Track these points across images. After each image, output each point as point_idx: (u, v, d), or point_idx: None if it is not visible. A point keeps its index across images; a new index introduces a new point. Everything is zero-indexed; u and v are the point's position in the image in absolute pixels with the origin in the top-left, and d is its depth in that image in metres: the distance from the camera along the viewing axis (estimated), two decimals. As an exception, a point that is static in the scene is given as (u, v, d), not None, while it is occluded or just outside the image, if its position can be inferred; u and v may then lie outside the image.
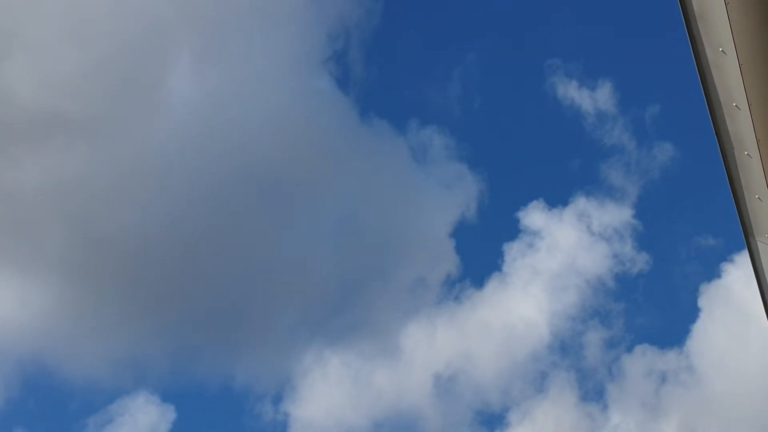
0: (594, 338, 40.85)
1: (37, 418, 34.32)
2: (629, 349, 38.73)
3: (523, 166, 44.45)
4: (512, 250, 42.67)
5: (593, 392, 40.17)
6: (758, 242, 8.55)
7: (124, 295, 38.97)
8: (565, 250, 42.69)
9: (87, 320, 37.77)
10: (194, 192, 39.73)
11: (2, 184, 35.57)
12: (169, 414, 34.86)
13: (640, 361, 37.19)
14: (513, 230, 43.78)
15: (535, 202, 41.89)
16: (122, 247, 37.71)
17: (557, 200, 45.49)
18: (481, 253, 45.77)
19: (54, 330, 36.56)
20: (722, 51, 6.92)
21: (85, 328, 37.36)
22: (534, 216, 42.28)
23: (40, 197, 37.13)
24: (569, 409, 38.24)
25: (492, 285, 42.89)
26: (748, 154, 7.82)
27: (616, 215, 40.93)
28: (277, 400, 37.18)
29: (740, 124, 7.57)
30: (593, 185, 43.51)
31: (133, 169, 39.66)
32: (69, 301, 37.78)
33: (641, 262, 40.09)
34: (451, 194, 43.91)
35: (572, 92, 43.81)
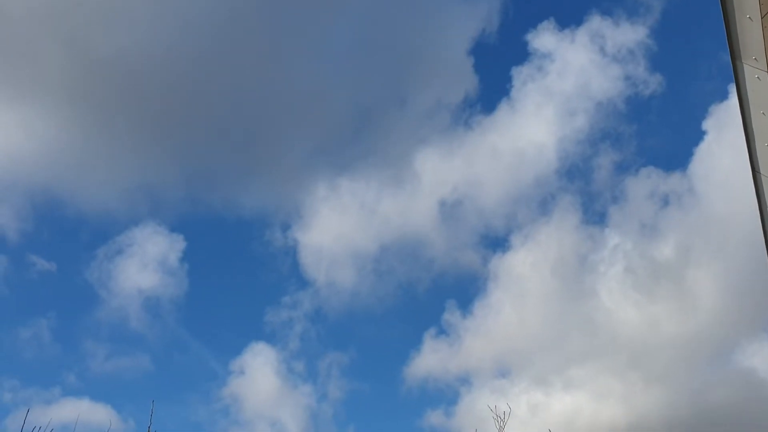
0: (603, 161, 40.76)
1: (51, 248, 35.15)
2: (635, 172, 38.77)
3: (533, -18, 42.09)
4: (521, 75, 41.50)
5: (596, 215, 40.77)
6: (744, 65, 7.96)
7: (132, 120, 38.56)
8: (576, 72, 41.42)
9: (95, 147, 37.64)
10: (197, 11, 37.97)
11: None
12: (179, 243, 35.80)
13: (644, 184, 37.34)
14: (522, 54, 42.31)
15: (545, 23, 40.05)
16: (125, 69, 36.71)
17: (569, 20, 43.32)
18: (491, 76, 44.66)
19: (62, 158, 36.70)
20: None
21: (94, 156, 37.34)
22: (544, 38, 40.62)
23: (34, 17, 35.86)
24: (570, 232, 39.05)
25: (502, 110, 42.19)
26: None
27: (631, 35, 39.19)
28: (286, 227, 38.18)
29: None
30: (611, 1, 41.26)
31: (133, -11, 37.56)
32: (74, 127, 38.14)
33: (654, 83, 38.92)
34: (469, 7, 41.76)
35: None
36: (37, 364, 33.84)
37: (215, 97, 40.89)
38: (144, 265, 35.22)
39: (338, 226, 39.47)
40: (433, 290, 39.58)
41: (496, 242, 40.31)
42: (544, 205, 40.40)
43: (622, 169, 41.34)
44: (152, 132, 39.20)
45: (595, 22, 42.21)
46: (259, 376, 34.64)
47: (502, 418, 14.60)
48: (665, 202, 39.19)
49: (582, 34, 41.76)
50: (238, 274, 41.95)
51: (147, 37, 37.17)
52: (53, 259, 34.97)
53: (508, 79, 42.61)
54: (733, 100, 7.80)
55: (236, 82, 41.30)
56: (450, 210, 39.56)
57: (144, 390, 34.56)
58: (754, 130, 8.41)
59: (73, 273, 36.83)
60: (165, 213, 36.77)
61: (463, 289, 40.38)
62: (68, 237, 37.30)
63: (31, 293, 36.18)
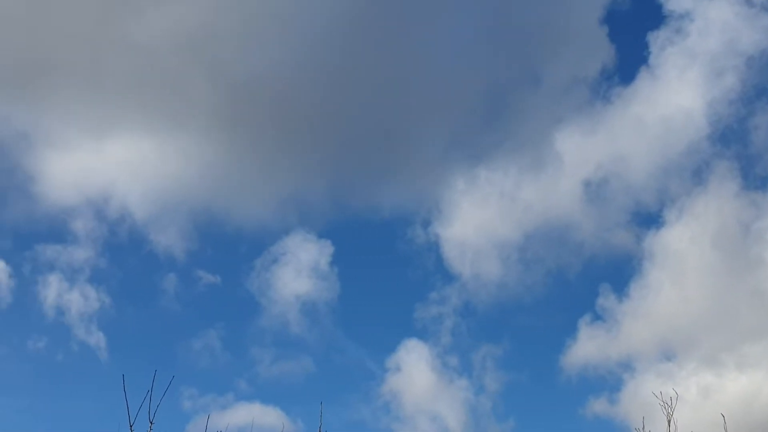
0: (761, 121, 37.99)
1: (214, 263, 38.50)
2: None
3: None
4: (658, 39, 39.54)
5: (757, 180, 38.09)
6: None
7: (276, 137, 41.19)
8: (719, 29, 38.82)
9: (245, 165, 40.56)
10: (320, 25, 39.71)
11: (134, 40, 37.46)
12: (327, 249, 37.70)
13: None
14: (657, 17, 40.31)
15: (680, -18, 37.88)
16: (263, 89, 39.32)
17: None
18: (627, 45, 42.92)
19: (217, 179, 39.74)
20: None
21: (245, 174, 40.31)
22: (680, -2, 38.38)
23: (178, 50, 38.79)
24: (730, 200, 36.76)
25: (641, 79, 40.39)
26: None
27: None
28: (427, 223, 38.76)
29: None
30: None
31: (257, 13, 39.83)
32: (226, 149, 40.49)
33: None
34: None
35: None
36: (211, 372, 35.90)
37: (348, 104, 42.63)
38: (298, 272, 37.16)
39: (479, 218, 39.37)
40: (584, 275, 38.50)
41: (649, 219, 38.51)
42: (697, 174, 38.12)
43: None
44: (295, 146, 41.59)
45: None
46: (415, 373, 34.76)
47: (670, 404, 14.11)
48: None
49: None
50: (385, 273, 42.34)
51: (278, 56, 39.46)
52: (217, 273, 37.50)
53: (645, 46, 40.45)
54: None
55: (366, 84, 42.77)
56: (596, 190, 38.31)
57: (308, 391, 35.71)
58: None
59: (236, 284, 38.62)
60: (313, 221, 38.87)
61: (617, 272, 38.87)
62: (229, 251, 40.32)
63: (200, 306, 38.30)
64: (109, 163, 38.10)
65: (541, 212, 38.67)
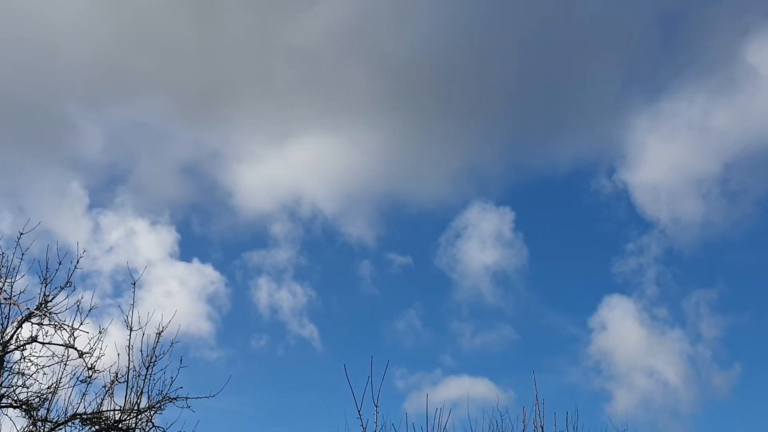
0: None
1: (403, 245, 39.12)
2: None
3: None
4: None
5: None
6: None
7: (443, 111, 41.01)
8: None
9: (417, 145, 40.98)
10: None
11: (294, 45, 38.83)
12: (508, 215, 36.96)
13: None
14: None
15: None
16: (421, 68, 39.70)
17: None
18: None
19: (393, 163, 40.62)
20: None
21: (419, 154, 40.78)
22: None
23: (332, 43, 39.39)
24: None
25: None
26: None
27: None
28: (611, 171, 36.67)
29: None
30: None
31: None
32: (396, 132, 40.73)
33: None
34: None
35: None
36: (416, 350, 35.92)
37: (506, 64, 41.33)
38: (482, 243, 36.68)
39: (669, 156, 36.43)
40: (795, 197, 35.28)
41: None
42: None
43: None
44: (461, 117, 41.27)
45: None
46: (622, 329, 33.10)
47: None
48: None
49: None
50: (574, 230, 40.28)
51: (429, 31, 39.41)
52: (407, 253, 37.88)
53: None
54: None
55: (519, 39, 41.48)
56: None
57: (514, 360, 35.36)
58: None
59: (425, 263, 38.62)
60: (489, 189, 38.22)
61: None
62: (414, 231, 40.53)
63: (396, 288, 38.64)
64: (293, 166, 39.84)
65: (740, 137, 35.80)
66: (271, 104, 41.14)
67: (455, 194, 39.93)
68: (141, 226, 35.73)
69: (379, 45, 39.96)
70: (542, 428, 11.87)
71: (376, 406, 11.02)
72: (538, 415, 12.02)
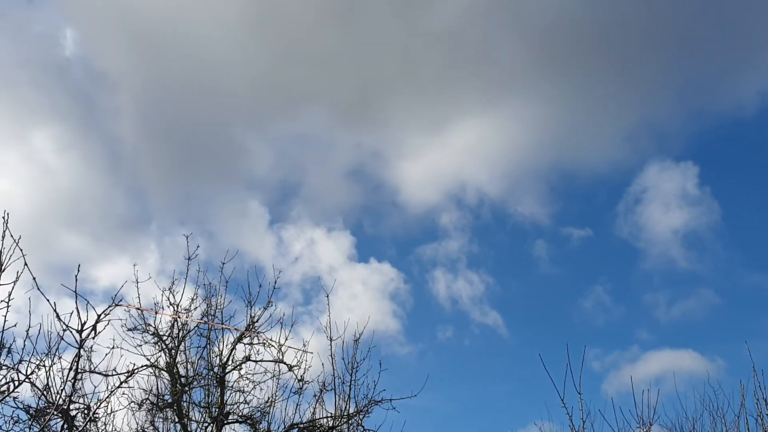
0: None
1: (579, 217, 36.50)
2: None
3: None
4: None
5: None
6: None
7: (602, 70, 38.09)
8: None
9: (581, 111, 38.18)
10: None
11: (433, 30, 36.27)
12: (690, 170, 34.25)
13: None
14: None
15: None
16: (568, 29, 36.72)
17: None
18: None
19: (556, 135, 38.05)
20: None
21: (584, 119, 38.19)
22: None
23: (472, 25, 37.10)
24: None
25: None
26: None
27: None
28: None
29: None
30: None
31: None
32: (557, 102, 38.35)
33: None
34: None
35: None
36: (608, 328, 33.99)
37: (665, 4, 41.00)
38: (666, 205, 34.16)
39: None
40: None
41: None
42: None
43: None
44: (627, 70, 38.20)
45: None
46: None
47: None
48: None
49: None
50: None
51: None
52: (585, 226, 35.65)
53: None
54: None
55: None
56: None
57: (718, 327, 32.44)
58: None
59: (606, 234, 36.49)
60: (666, 146, 35.67)
61: None
62: (589, 201, 38.13)
63: (577, 264, 36.46)
64: (453, 153, 38.08)
65: None
66: (423, 95, 39.34)
67: (629, 156, 36.63)
68: (319, 234, 37.28)
69: (521, 13, 37.29)
70: (766, 402, 10.98)
71: (580, 393, 10.73)
72: (758, 387, 11.15)
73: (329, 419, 11.45)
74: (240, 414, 11.41)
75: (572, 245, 35.71)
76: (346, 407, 11.48)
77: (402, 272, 35.62)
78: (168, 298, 11.57)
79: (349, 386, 11.60)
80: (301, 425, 11.43)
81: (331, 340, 11.95)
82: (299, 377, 11.61)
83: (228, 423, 11.21)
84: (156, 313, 11.16)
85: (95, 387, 9.32)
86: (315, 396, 11.71)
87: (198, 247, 12.05)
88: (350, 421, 11.41)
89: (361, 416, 11.47)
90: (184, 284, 11.78)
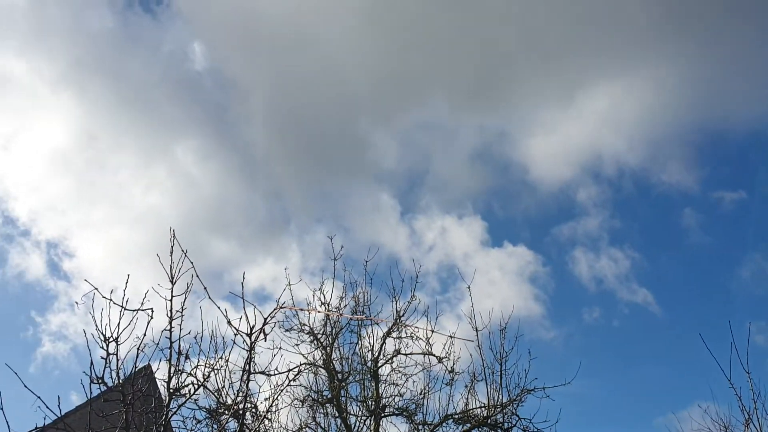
0: None
1: (731, 180, 34.26)
2: None
3: None
4: None
5: None
6: None
7: (747, 13, 34.80)
8: None
9: (727, 60, 35.70)
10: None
11: None
12: None
13: None
14: None
15: None
16: None
17: None
18: None
19: (697, 91, 35.72)
20: None
21: (731, 67, 35.35)
22: None
23: None
24: None
25: None
26: None
27: None
28: None
29: None
30: None
31: None
32: (700, 53, 36.24)
33: None
34: None
35: None
36: None
37: None
38: None
39: None
40: None
41: None
42: None
43: None
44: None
45: None
46: None
47: None
48: None
49: None
50: None
51: None
52: (739, 188, 33.28)
53: None
54: None
55: None
56: None
57: None
58: None
59: (762, 195, 33.25)
60: None
61: None
62: (742, 162, 35.14)
63: (731, 231, 34.19)
64: (586, 124, 36.52)
65: None
66: (547, 64, 37.07)
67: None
68: (450, 222, 36.67)
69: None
70: None
71: (748, 373, 10.20)
72: None
73: (483, 409, 11.54)
74: (396, 406, 11.74)
75: (724, 210, 33.19)
76: (498, 397, 11.52)
77: (539, 254, 34.43)
78: (319, 298, 12.08)
79: (500, 376, 11.63)
80: (456, 416, 11.59)
81: (477, 330, 12.02)
82: (449, 368, 11.78)
83: (385, 416, 11.56)
84: (315, 312, 11.70)
85: (260, 386, 9.91)
86: (466, 386, 11.84)
87: (342, 247, 12.54)
88: (504, 411, 11.44)
89: (514, 405, 11.48)
90: (332, 283, 12.28)
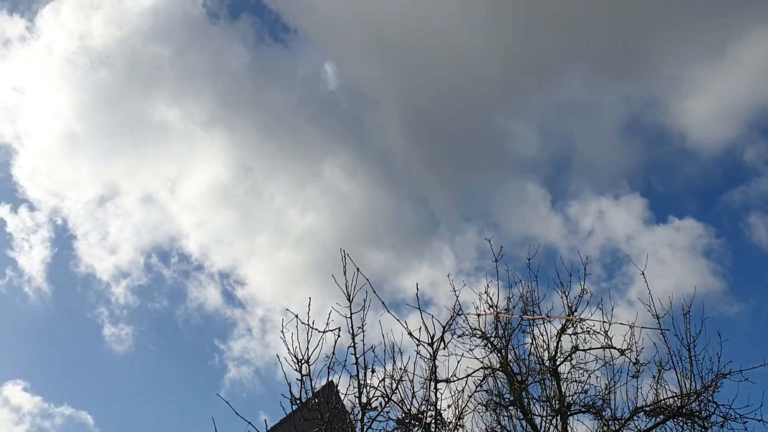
0: None
1: None
2: None
3: None
4: None
5: None
6: None
7: None
8: None
9: None
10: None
11: None
12: None
13: None
14: None
15: None
16: None
17: None
18: None
19: None
20: None
21: None
22: None
23: None
24: None
25: None
26: None
27: None
28: None
29: None
30: None
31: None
32: None
33: None
34: None
35: None
36: None
37: None
38: None
39: None
40: None
41: None
42: None
43: None
44: None
45: None
46: None
47: None
48: None
49: None
50: None
51: None
52: None
53: None
54: None
55: None
56: None
57: None
58: None
59: None
60: None
61: None
62: None
63: None
64: (744, 77, 34.23)
65: None
66: (692, 17, 34.59)
67: None
68: (606, 204, 34.63)
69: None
70: None
71: None
72: None
73: (675, 399, 10.95)
74: (581, 404, 11.41)
75: None
76: (690, 385, 10.90)
77: (710, 226, 32.51)
78: (486, 301, 11.99)
79: (689, 362, 11.00)
80: (646, 408, 11.08)
81: (657, 318, 11.44)
82: (633, 360, 11.30)
83: (572, 414, 11.26)
84: (488, 315, 11.64)
85: (441, 394, 9.96)
86: (653, 377, 11.29)
87: (501, 248, 12.35)
88: (699, 399, 10.80)
89: (710, 392, 10.80)
90: (497, 285, 12.13)
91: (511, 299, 12.29)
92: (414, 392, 9.13)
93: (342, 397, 8.24)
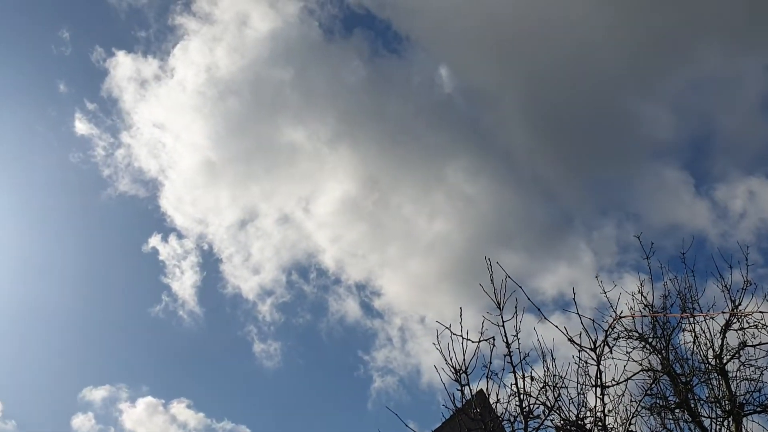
0: None
1: None
2: None
3: None
4: None
5: None
6: None
7: None
8: None
9: None
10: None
11: None
12: None
13: None
14: None
15: None
16: None
17: None
18: None
19: None
20: None
21: None
22: None
23: None
24: None
25: None
26: None
27: None
28: None
29: None
30: None
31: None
32: None
33: None
34: None
35: None
36: None
37: None
38: None
39: None
40: None
41: None
42: None
43: None
44: None
45: None
46: None
47: None
48: None
49: None
50: None
51: None
52: None
53: None
54: None
55: None
56: None
57: None
58: None
59: None
60: None
61: None
62: None
63: None
64: None
65: None
66: None
67: None
68: (756, 184, 31.67)
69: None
70: None
71: None
72: None
73: None
74: (755, 403, 10.69)
75: None
76: None
77: None
78: (641, 301, 11.52)
79: None
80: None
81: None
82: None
83: (745, 414, 10.59)
84: (648, 317, 11.21)
85: (599, 398, 9.65)
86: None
87: (653, 244, 11.77)
88: None
89: None
90: (651, 283, 11.60)
91: (668, 297, 11.72)
92: (571, 398, 8.92)
93: (494, 405, 8.20)
